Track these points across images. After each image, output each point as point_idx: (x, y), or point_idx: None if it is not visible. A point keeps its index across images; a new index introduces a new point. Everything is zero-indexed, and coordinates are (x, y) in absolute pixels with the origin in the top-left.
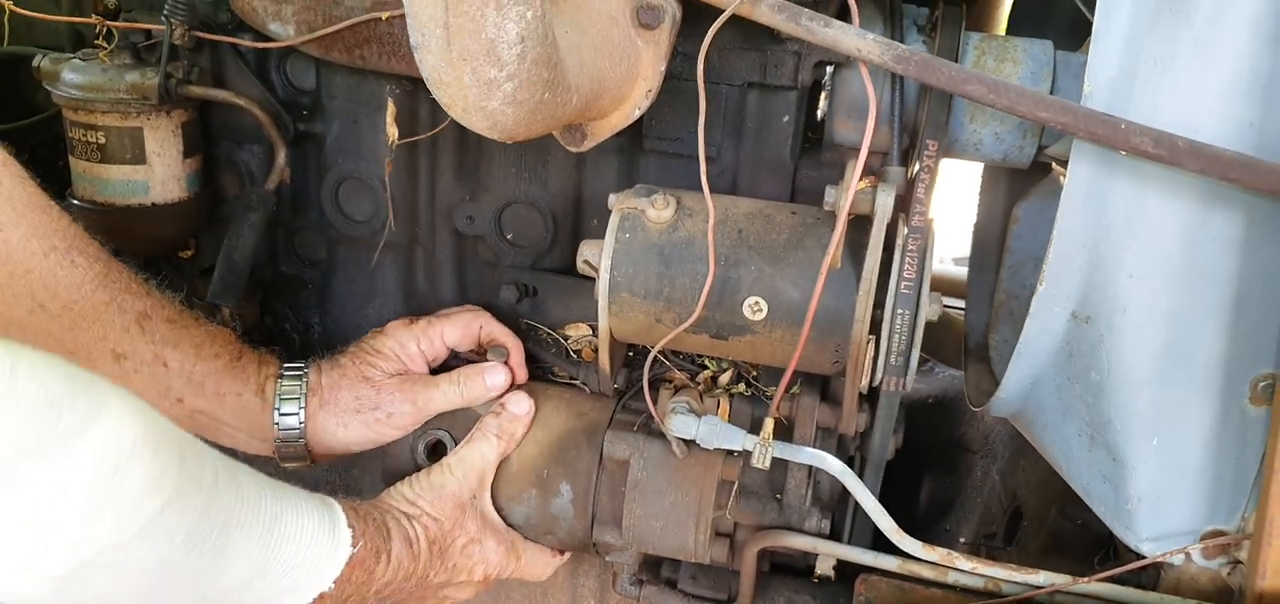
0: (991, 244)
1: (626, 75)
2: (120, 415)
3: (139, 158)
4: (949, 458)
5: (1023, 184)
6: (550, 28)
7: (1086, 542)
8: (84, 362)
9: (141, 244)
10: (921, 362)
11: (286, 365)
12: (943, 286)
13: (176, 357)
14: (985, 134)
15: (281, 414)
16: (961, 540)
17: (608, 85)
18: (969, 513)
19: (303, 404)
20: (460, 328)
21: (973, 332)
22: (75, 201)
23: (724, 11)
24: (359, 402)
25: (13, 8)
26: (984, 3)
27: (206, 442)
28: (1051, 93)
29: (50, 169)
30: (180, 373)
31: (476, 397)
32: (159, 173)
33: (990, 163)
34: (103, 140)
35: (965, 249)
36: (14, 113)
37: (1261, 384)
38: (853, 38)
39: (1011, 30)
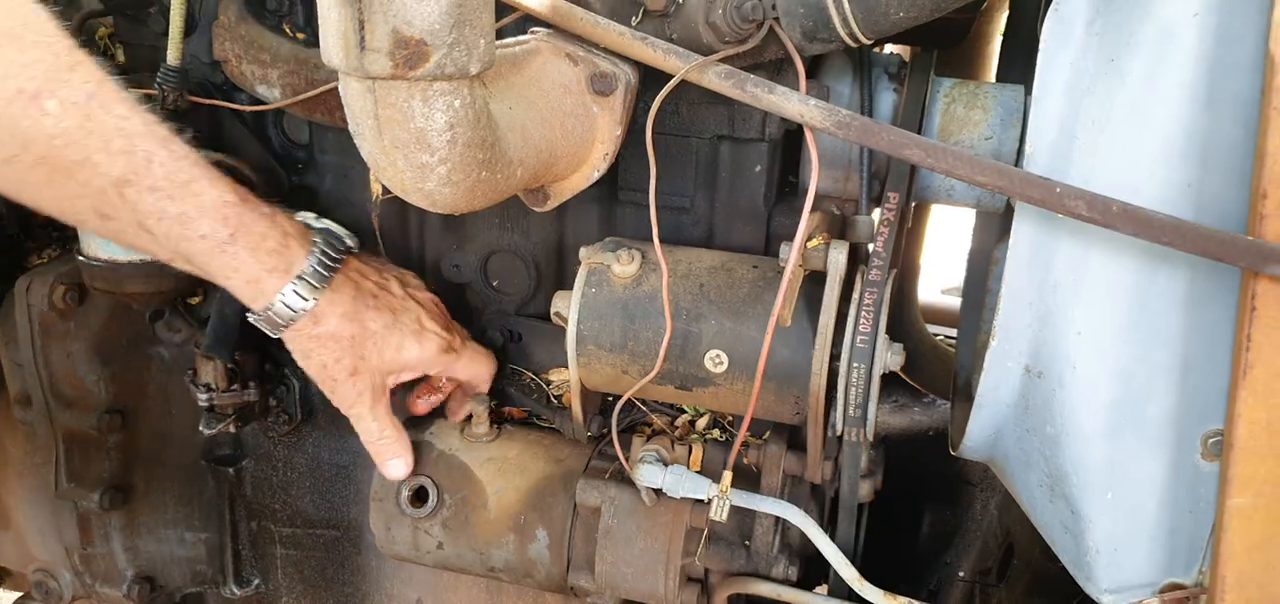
0: (981, 281)
1: (582, 140)
2: None
3: None
4: (950, 490)
5: (1008, 224)
6: (483, 111)
7: (1066, 586)
8: (71, 215)
9: (145, 296)
10: (920, 394)
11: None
12: (942, 319)
13: (161, 227)
14: (957, 181)
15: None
16: (961, 575)
17: (560, 153)
18: (968, 546)
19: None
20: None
21: (961, 370)
22: (81, 256)
23: (672, 79)
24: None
25: None
26: (973, 42)
27: None
28: (1022, 138)
29: (60, 226)
30: (166, 243)
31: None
32: None
33: (965, 207)
34: None
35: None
36: None
37: (1212, 440)
38: (795, 103)
39: (1001, 71)
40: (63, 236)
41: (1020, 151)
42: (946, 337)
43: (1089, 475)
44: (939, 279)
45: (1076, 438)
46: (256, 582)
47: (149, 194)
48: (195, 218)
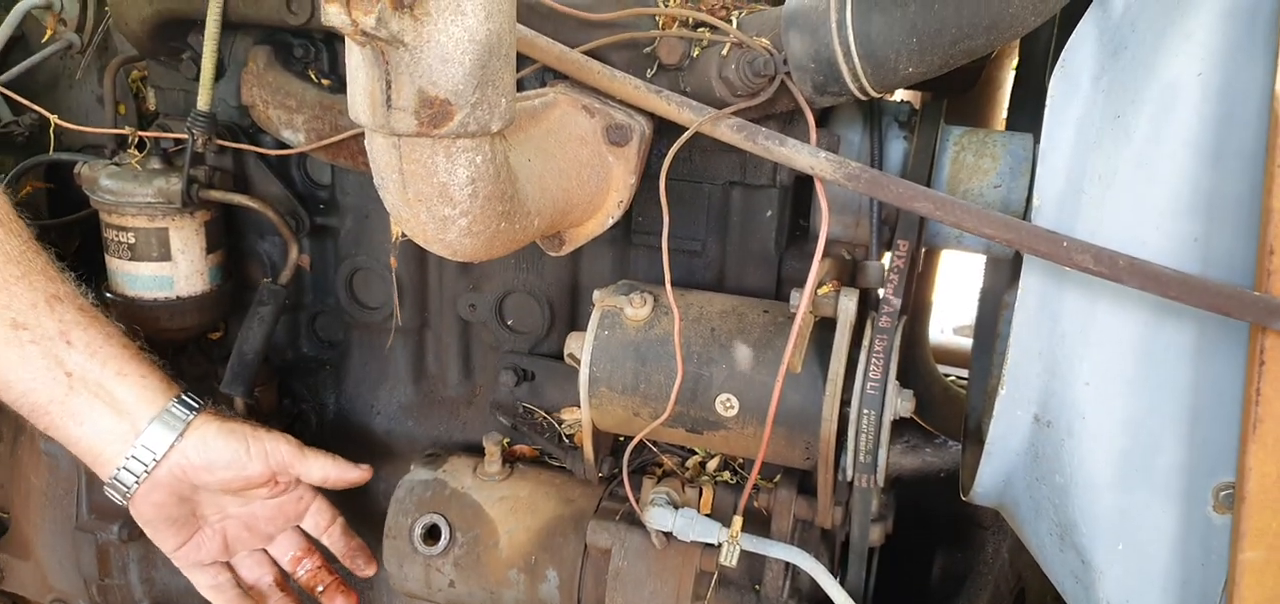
0: (992, 325)
1: (598, 189)
2: None
3: (165, 255)
4: (961, 532)
5: (1017, 269)
6: (504, 165)
7: None
8: None
9: (168, 333)
10: (931, 436)
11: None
12: (955, 360)
13: (83, 337)
14: None
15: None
16: None
17: (576, 202)
18: (980, 590)
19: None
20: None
21: (972, 413)
22: (107, 294)
23: (686, 131)
24: (237, 430)
25: (58, 121)
26: (984, 88)
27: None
28: (1031, 186)
29: (93, 261)
30: (84, 350)
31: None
32: (183, 268)
33: (975, 253)
34: (133, 240)
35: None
36: (65, 209)
37: (1223, 493)
38: (806, 156)
39: (1011, 117)
40: (85, 273)
41: (1029, 199)
42: (958, 377)
43: (1099, 525)
44: (950, 318)
45: (1086, 488)
46: None
47: (77, 311)
48: (119, 334)
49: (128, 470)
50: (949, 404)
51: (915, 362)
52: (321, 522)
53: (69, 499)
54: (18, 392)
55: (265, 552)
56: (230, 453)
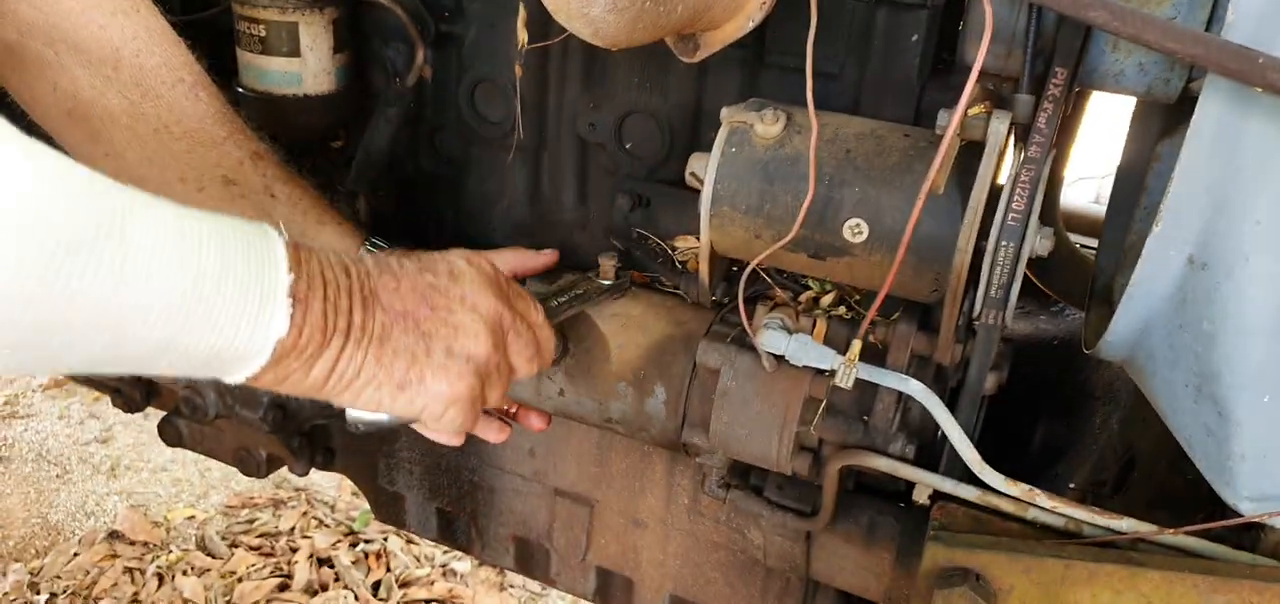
0: (1133, 183)
1: None
2: None
3: (294, 51)
4: (1069, 403)
5: (1173, 120)
6: None
7: (1192, 500)
8: (195, 183)
9: (294, 131)
10: (1051, 302)
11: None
12: (1082, 226)
13: (285, 191)
14: (1128, 64)
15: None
16: (1071, 486)
17: None
18: (1083, 460)
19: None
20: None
21: (1102, 273)
22: (239, 88)
23: None
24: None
25: None
26: None
27: None
28: (1209, 21)
29: (222, 57)
30: (287, 202)
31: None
32: (311, 66)
33: (1132, 95)
34: (263, 33)
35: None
36: (194, 5)
37: None
38: None
39: None
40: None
41: None
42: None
43: (1246, 376)
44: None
45: (1238, 334)
46: None
47: (276, 167)
48: (311, 188)
49: None
50: (1074, 267)
51: (1047, 215)
52: None
53: None
54: None
55: None
56: None
